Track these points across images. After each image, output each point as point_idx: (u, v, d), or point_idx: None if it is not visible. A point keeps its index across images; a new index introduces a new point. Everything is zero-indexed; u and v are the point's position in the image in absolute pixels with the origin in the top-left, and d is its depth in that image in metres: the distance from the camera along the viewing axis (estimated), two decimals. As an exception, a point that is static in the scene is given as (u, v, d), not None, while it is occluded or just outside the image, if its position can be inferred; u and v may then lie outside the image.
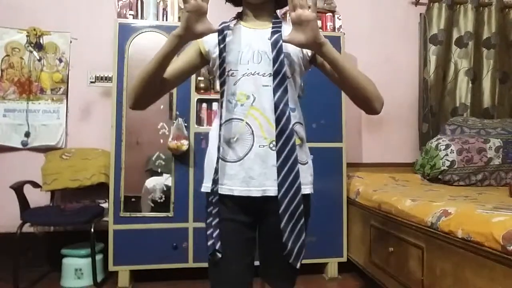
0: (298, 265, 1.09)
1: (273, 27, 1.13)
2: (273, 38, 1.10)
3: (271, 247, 1.15)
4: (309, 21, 0.99)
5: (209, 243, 1.09)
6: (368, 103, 1.11)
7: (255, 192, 1.08)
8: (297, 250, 1.08)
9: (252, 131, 1.09)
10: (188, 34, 1.00)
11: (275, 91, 1.08)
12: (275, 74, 1.08)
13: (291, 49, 1.12)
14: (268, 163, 1.09)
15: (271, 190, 1.08)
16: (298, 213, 1.06)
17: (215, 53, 1.15)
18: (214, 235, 1.08)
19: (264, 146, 1.09)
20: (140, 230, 2.43)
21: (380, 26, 3.28)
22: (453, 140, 2.83)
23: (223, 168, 1.11)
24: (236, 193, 1.09)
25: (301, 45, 1.05)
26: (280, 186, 1.06)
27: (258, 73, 1.11)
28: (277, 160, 1.07)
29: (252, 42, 1.14)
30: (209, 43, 1.15)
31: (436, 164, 2.81)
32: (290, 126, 1.07)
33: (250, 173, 1.09)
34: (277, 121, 1.07)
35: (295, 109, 1.15)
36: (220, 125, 1.13)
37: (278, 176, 1.06)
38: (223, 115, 1.13)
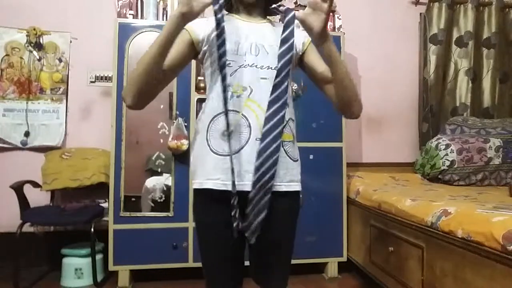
0: (253, 241, 1.07)
1: (285, 23, 1.11)
2: (284, 35, 1.09)
3: (261, 247, 1.12)
4: (321, 12, 0.98)
5: None
6: (350, 106, 1.13)
7: (249, 187, 1.05)
8: (255, 225, 1.05)
9: (249, 123, 1.07)
10: (189, 10, 0.97)
11: (276, 87, 1.06)
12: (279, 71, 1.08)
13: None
14: None
15: None
16: (266, 187, 1.04)
17: (208, 43, 1.11)
18: None
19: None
20: (140, 230, 2.43)
21: (380, 26, 3.28)
22: (453, 140, 2.83)
23: (216, 162, 1.08)
24: (230, 188, 1.05)
25: (309, 28, 1.02)
26: (258, 168, 1.04)
27: (256, 66, 1.10)
28: (260, 145, 1.04)
29: (249, 34, 1.13)
30: (203, 30, 1.12)
31: (436, 164, 2.81)
32: (281, 127, 1.06)
33: (246, 167, 1.05)
34: (269, 117, 1.05)
35: (288, 105, 1.14)
36: (213, 117, 1.09)
37: (258, 158, 1.03)
38: (215, 107, 1.10)
